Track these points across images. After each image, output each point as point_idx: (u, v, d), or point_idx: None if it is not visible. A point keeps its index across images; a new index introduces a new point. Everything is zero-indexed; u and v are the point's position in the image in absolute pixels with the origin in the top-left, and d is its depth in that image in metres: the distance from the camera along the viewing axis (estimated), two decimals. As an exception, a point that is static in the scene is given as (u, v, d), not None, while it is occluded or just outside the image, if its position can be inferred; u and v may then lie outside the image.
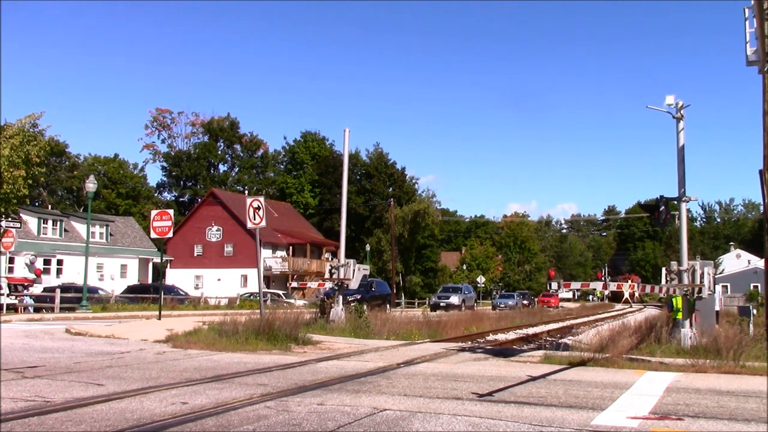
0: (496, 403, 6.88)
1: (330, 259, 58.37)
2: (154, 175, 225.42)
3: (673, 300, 15.85)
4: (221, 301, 39.38)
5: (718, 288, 17.97)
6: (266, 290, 40.93)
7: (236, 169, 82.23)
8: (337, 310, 18.29)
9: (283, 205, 68.02)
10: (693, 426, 5.95)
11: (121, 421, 5.66)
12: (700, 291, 12.76)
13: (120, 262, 50.64)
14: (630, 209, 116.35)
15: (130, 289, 37.46)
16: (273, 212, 57.20)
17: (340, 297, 18.79)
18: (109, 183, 74.41)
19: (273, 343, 12.82)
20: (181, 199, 79.33)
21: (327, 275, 19.17)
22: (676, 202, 13.48)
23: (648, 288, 17.08)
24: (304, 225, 67.89)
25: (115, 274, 49.56)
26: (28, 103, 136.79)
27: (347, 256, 19.98)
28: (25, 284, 28.52)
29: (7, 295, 26.38)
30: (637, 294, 67.99)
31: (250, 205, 18.25)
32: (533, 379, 8.96)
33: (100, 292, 33.79)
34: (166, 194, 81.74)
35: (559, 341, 19.92)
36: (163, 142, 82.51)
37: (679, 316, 13.35)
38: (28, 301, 28.20)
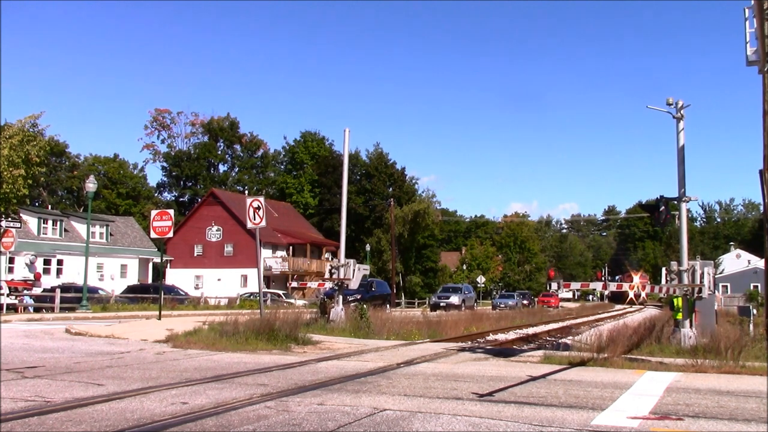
0: (496, 403, 6.88)
1: (330, 259, 58.37)
2: (154, 175, 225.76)
3: (674, 300, 15.86)
4: (221, 301, 39.36)
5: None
6: (266, 290, 40.94)
7: (236, 169, 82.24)
8: (337, 310, 18.29)
9: (283, 205, 68.01)
10: (693, 426, 5.95)
11: (121, 421, 5.66)
12: (700, 291, 12.76)
13: (120, 262, 50.63)
14: (630, 209, 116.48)
15: (130, 289, 37.44)
16: (273, 212, 57.19)
17: (340, 297, 18.79)
18: (109, 183, 74.42)
19: (273, 343, 12.82)
20: (181, 199, 79.33)
21: (327, 275, 19.16)
22: (676, 202, 13.48)
23: (648, 288, 17.08)
24: (304, 225, 67.88)
25: (115, 274, 49.54)
26: (28, 103, 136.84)
27: (347, 256, 19.97)
28: (22, 288, 28.45)
29: (7, 296, 26.36)
30: (643, 295, 67.11)
31: (250, 205, 18.25)
32: (533, 379, 8.95)
33: (100, 292, 33.78)
34: (166, 194, 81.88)
35: (559, 341, 19.93)
36: (163, 142, 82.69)
37: (679, 316, 13.35)
38: (28, 301, 28.17)
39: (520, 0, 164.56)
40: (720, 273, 66.78)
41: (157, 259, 47.62)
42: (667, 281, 13.36)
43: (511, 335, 20.94)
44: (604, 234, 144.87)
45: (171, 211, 22.08)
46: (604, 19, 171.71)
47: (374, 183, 75.23)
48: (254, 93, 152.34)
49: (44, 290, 32.36)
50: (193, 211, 61.60)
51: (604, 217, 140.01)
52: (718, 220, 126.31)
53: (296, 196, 76.60)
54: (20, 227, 31.94)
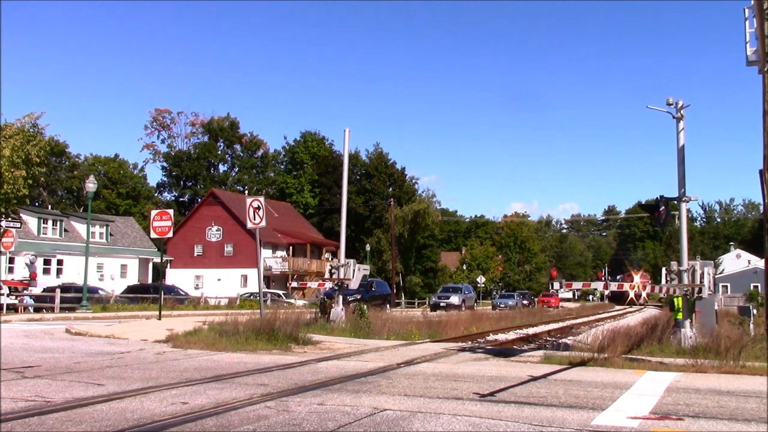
0: (497, 403, 6.88)
1: (330, 259, 58.36)
2: (154, 175, 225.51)
3: (674, 300, 15.86)
4: (221, 301, 39.34)
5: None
6: (266, 290, 40.93)
7: (236, 169, 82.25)
8: (337, 310, 18.29)
9: (283, 205, 68.01)
10: (693, 426, 5.95)
11: (121, 421, 5.66)
12: (700, 291, 12.76)
13: (120, 262, 50.63)
14: (630, 209, 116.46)
15: (130, 289, 37.43)
16: (273, 212, 57.19)
17: (340, 297, 18.79)
18: (109, 183, 74.41)
19: (273, 343, 12.82)
20: (181, 199, 79.33)
21: (327, 275, 19.17)
22: (676, 202, 13.48)
23: (648, 288, 17.09)
24: (304, 225, 67.88)
25: (115, 274, 49.54)
26: (28, 103, 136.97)
27: (347, 256, 19.97)
28: (20, 288, 28.44)
29: (7, 296, 26.35)
30: (644, 295, 66.72)
31: (250, 205, 18.25)
32: (533, 379, 8.95)
33: (100, 292, 33.76)
34: (166, 194, 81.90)
35: (560, 341, 19.94)
36: (163, 142, 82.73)
37: (679, 316, 13.35)
38: (28, 301, 28.17)
39: (520, 0, 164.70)
40: (720, 273, 66.73)
41: (157, 259, 47.62)
42: (667, 281, 13.36)
43: (512, 335, 20.94)
44: (604, 234, 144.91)
45: (171, 211, 22.06)
46: (604, 19, 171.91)
47: (374, 183, 75.22)
48: (254, 93, 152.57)
49: (44, 290, 32.35)
50: (193, 211, 61.60)
51: (604, 217, 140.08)
52: (718, 220, 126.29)
53: (296, 196, 76.61)
54: (20, 227, 31.89)
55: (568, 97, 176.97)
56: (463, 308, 41.71)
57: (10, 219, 27.00)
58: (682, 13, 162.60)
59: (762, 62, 8.65)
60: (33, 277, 33.20)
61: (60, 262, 45.71)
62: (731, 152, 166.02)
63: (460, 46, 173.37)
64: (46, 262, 44.80)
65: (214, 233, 56.80)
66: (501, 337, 20.13)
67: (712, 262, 15.89)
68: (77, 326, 17.46)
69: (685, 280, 12.90)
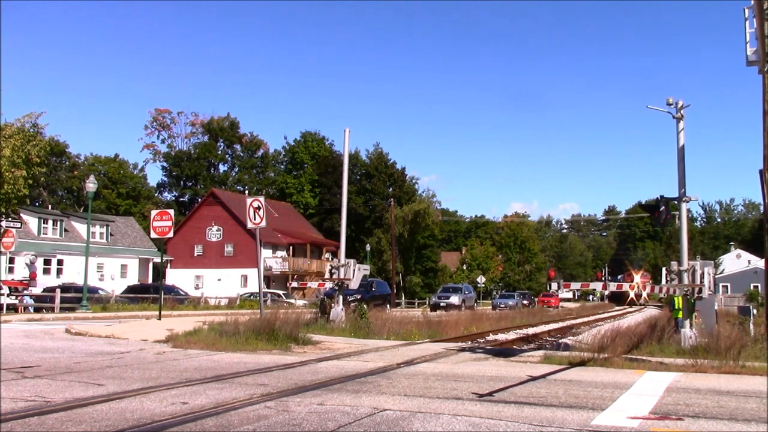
0: (496, 403, 6.88)
1: (330, 259, 58.35)
2: (154, 175, 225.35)
3: (675, 300, 15.87)
4: (221, 301, 39.33)
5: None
6: (266, 290, 40.92)
7: (236, 169, 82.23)
8: (337, 310, 18.29)
9: (283, 205, 68.00)
10: (693, 426, 5.95)
11: (121, 421, 5.66)
12: (700, 291, 12.76)
13: (120, 262, 50.62)
14: (630, 209, 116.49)
15: (130, 289, 37.44)
16: (273, 212, 57.18)
17: (340, 297, 18.80)
18: (109, 183, 74.41)
19: (273, 343, 12.82)
20: (181, 199, 79.32)
21: (327, 275, 19.17)
22: (676, 202, 13.48)
23: (648, 288, 17.09)
24: (304, 225, 67.87)
25: (115, 274, 49.54)
26: (28, 103, 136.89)
27: (347, 256, 19.97)
28: (20, 288, 28.47)
29: (7, 295, 26.36)
30: (645, 295, 66.52)
31: (250, 205, 18.25)
32: (533, 379, 8.95)
33: (100, 292, 33.76)
34: (166, 194, 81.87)
35: (559, 341, 19.95)
36: (163, 142, 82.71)
37: (680, 315, 13.34)
38: (28, 301, 28.17)
39: (520, 0, 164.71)
40: (720, 273, 66.68)
41: (157, 259, 47.62)
42: (667, 281, 13.36)
43: (511, 335, 20.94)
44: (604, 234, 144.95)
45: (171, 211, 22.07)
46: (604, 19, 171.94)
47: (374, 183, 75.21)
48: (254, 93, 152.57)
49: (44, 290, 32.35)
50: (193, 211, 61.60)
51: (604, 217, 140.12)
52: (718, 220, 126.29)
53: (296, 196, 76.60)
54: (20, 227, 31.91)
55: (568, 97, 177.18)
56: (463, 308, 41.69)
57: (10, 219, 27.02)
58: (682, 13, 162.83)
59: (762, 62, 8.65)
60: (33, 277, 33.25)
61: (60, 262, 45.70)
62: (731, 152, 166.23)
63: (460, 46, 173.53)
64: (46, 262, 44.79)
65: (214, 233, 56.80)
66: (501, 337, 20.13)
67: (712, 262, 15.89)
68: (77, 326, 17.46)
69: (685, 280, 12.89)
